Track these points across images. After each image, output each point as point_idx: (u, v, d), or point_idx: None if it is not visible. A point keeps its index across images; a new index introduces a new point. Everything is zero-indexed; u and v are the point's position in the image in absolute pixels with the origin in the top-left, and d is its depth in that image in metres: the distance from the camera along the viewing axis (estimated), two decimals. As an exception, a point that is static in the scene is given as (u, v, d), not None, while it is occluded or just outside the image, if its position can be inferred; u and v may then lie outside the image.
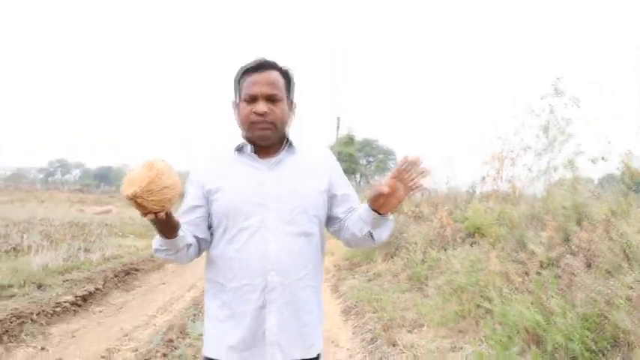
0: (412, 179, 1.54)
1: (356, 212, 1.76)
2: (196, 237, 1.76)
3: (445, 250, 6.00)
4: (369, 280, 6.90)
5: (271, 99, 1.69)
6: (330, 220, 1.84)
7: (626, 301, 3.10)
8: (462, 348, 3.85)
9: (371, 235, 1.69)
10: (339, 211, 1.81)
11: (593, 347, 2.98)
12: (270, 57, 1.76)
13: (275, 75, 1.73)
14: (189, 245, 1.70)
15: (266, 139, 1.73)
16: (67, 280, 6.48)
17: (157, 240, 1.66)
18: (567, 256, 3.98)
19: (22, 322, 4.64)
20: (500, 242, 5.27)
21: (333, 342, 4.70)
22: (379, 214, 1.62)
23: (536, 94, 8.00)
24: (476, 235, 5.96)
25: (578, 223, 4.62)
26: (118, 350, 4.31)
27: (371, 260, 8.15)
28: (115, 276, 7.12)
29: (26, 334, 4.52)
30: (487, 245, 5.41)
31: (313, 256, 1.74)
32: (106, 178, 71.79)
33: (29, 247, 8.97)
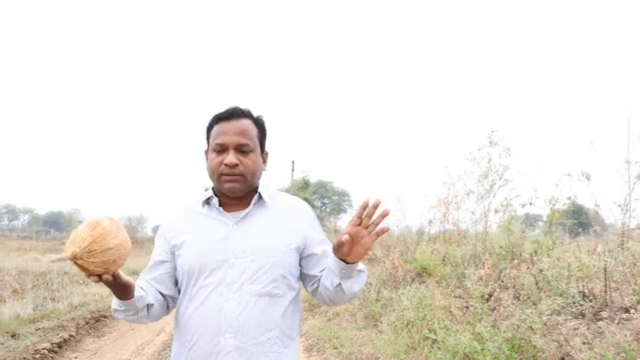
0: (375, 223, 1.48)
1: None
2: (162, 294, 1.72)
3: (397, 289, 6.63)
4: (329, 320, 7.46)
5: (242, 149, 1.64)
6: (307, 279, 1.74)
7: (542, 325, 3.77)
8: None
9: (341, 287, 1.59)
10: (317, 271, 1.71)
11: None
12: (242, 105, 1.71)
13: (247, 124, 1.67)
14: (149, 305, 1.65)
15: (235, 192, 1.66)
16: (39, 329, 6.79)
17: (114, 300, 1.59)
18: (498, 290, 4.67)
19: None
20: (445, 280, 5.94)
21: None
22: (347, 263, 1.52)
23: (477, 141, 8.85)
24: (424, 274, 6.64)
25: (511, 260, 5.34)
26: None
27: (330, 301, 8.71)
28: (87, 323, 7.46)
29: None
30: (433, 283, 6.08)
31: (280, 320, 1.62)
32: (56, 223, 70.24)
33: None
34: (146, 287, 1.68)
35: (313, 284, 1.72)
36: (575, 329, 3.53)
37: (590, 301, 3.89)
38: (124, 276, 1.48)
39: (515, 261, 5.11)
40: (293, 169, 30.23)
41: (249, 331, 1.56)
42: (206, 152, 1.74)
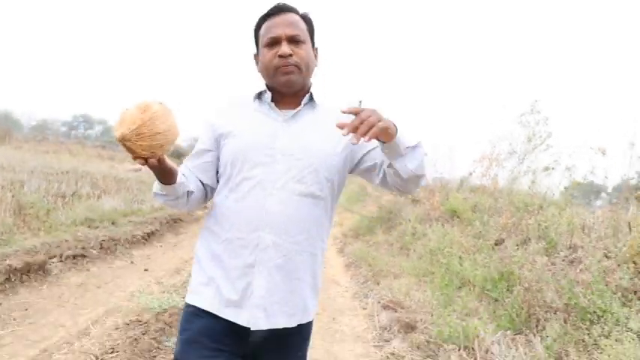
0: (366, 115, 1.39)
1: None
2: (202, 183, 1.74)
3: (430, 226, 7.86)
4: (369, 246, 8.80)
5: (294, 40, 1.63)
6: (368, 172, 1.72)
7: (528, 263, 4.92)
8: (424, 292, 5.72)
9: (394, 168, 1.55)
10: (368, 156, 1.69)
11: (493, 286, 4.84)
12: (288, 2, 1.70)
13: (295, 17, 1.67)
14: (189, 192, 1.68)
15: (292, 84, 1.65)
16: (131, 222, 8.46)
17: (156, 184, 1.63)
18: (504, 234, 5.83)
19: (115, 244, 6.63)
20: (470, 224, 7.11)
21: (335, 282, 6.61)
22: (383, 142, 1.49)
23: (524, 106, 9.74)
24: (454, 217, 7.82)
25: (526, 212, 6.44)
26: (184, 268, 6.25)
27: (373, 232, 10.04)
28: (167, 222, 9.09)
29: (117, 253, 6.49)
30: (460, 225, 7.27)
31: (317, 221, 1.65)
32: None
33: (87, 194, 10.94)
34: (188, 174, 1.70)
35: (379, 175, 1.68)
36: (549, 267, 4.67)
37: (569, 249, 5.00)
38: (169, 161, 1.52)
39: (526, 213, 6.21)
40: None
41: (288, 229, 1.59)
42: (256, 56, 1.74)
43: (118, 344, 3.50)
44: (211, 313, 1.61)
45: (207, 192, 1.77)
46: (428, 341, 4.06)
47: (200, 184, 1.73)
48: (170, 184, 1.59)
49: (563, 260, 4.62)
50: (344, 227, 11.59)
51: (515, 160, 9.49)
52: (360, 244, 9.13)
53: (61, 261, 5.28)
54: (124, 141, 1.35)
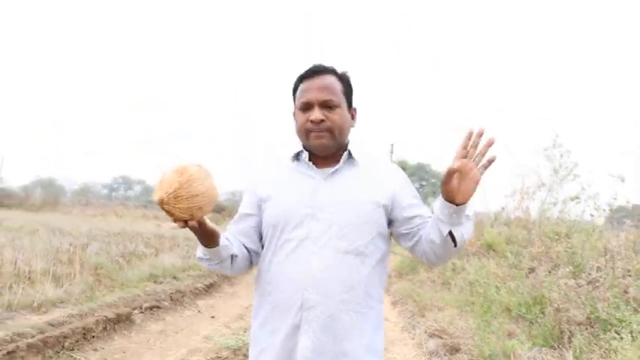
0: (482, 153, 1.45)
1: (431, 218, 1.61)
2: (247, 247, 1.75)
3: (468, 261, 8.44)
4: (413, 284, 9.39)
5: (327, 105, 1.64)
6: (403, 237, 1.72)
7: (556, 287, 5.49)
8: (466, 321, 6.30)
9: (452, 236, 1.53)
10: (409, 226, 1.69)
11: (527, 310, 5.41)
12: (326, 62, 1.72)
13: (330, 79, 1.68)
14: (234, 256, 1.68)
15: (324, 149, 1.68)
16: (190, 275, 9.23)
17: (199, 248, 1.65)
18: (534, 262, 6.41)
19: (182, 296, 7.40)
20: (504, 255, 7.69)
21: (384, 318, 7.23)
22: (456, 205, 1.47)
23: (545, 141, 10.33)
24: (490, 250, 8.40)
25: (555, 241, 7.02)
26: (246, 314, 6.95)
27: (416, 271, 10.63)
28: (223, 275, 9.86)
29: (184, 304, 7.25)
30: (495, 257, 7.85)
31: (365, 279, 1.62)
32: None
33: (143, 253, 11.81)
34: (231, 239, 1.71)
35: (412, 240, 1.68)
36: (576, 288, 5.23)
37: (598, 271, 5.56)
38: (210, 224, 1.53)
39: (554, 242, 6.79)
40: (392, 152, 31.87)
41: (332, 288, 1.57)
42: (294, 114, 1.74)
43: (207, 375, 4.21)
44: None
45: (252, 257, 1.78)
46: (471, 359, 4.66)
47: (244, 248, 1.74)
48: (212, 248, 1.61)
49: (588, 283, 5.18)
50: (388, 268, 12.22)
51: (544, 191, 10.07)
52: (405, 283, 9.72)
53: (141, 312, 6.05)
54: (162, 204, 1.39)
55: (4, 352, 3.83)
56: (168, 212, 1.40)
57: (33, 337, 4.25)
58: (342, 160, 1.70)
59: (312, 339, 1.58)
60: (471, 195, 1.47)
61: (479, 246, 8.88)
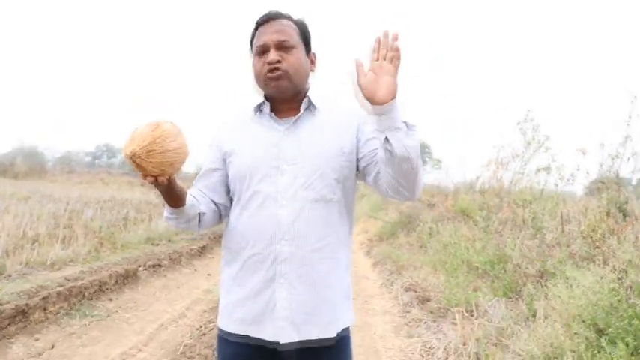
0: (393, 49, 1.44)
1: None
2: (215, 202, 1.76)
3: (443, 225, 9.22)
4: (393, 247, 10.18)
5: (283, 46, 1.64)
6: (365, 171, 1.67)
7: (517, 247, 6.25)
8: (438, 277, 7.07)
9: (390, 144, 1.45)
10: (368, 151, 1.65)
11: (491, 266, 6.18)
12: (282, 9, 1.71)
13: (286, 22, 1.68)
14: (201, 214, 1.70)
15: (282, 91, 1.66)
16: (183, 239, 9.93)
17: (166, 208, 1.65)
18: (501, 226, 7.19)
19: (180, 256, 8.10)
20: (476, 220, 8.46)
21: (365, 277, 8.00)
22: (381, 102, 1.43)
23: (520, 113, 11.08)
24: (464, 216, 9.18)
25: (521, 207, 7.78)
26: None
27: (396, 235, 11.42)
28: (215, 237, 10.55)
29: (182, 263, 7.95)
30: (468, 222, 8.63)
31: (334, 226, 1.64)
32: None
33: (135, 218, 12.45)
34: (198, 196, 1.72)
35: (374, 171, 1.63)
36: (532, 247, 6.00)
37: (552, 232, 6.32)
38: (178, 183, 1.54)
39: (520, 208, 7.56)
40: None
41: (305, 238, 1.59)
42: (252, 63, 1.73)
43: (211, 320, 4.93)
44: (240, 336, 1.65)
45: (221, 211, 1.79)
46: (439, 307, 5.43)
47: (212, 204, 1.75)
48: (178, 207, 1.61)
49: (542, 243, 5.95)
50: (369, 233, 13.00)
51: (517, 163, 10.83)
52: (385, 246, 10.51)
53: (145, 269, 6.75)
54: (134, 158, 1.36)
55: (40, 297, 4.52)
56: (139, 166, 1.38)
57: (62, 285, 4.94)
58: (302, 108, 1.69)
59: (289, 291, 1.59)
60: (391, 88, 1.43)
61: (454, 212, 9.65)
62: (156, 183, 1.44)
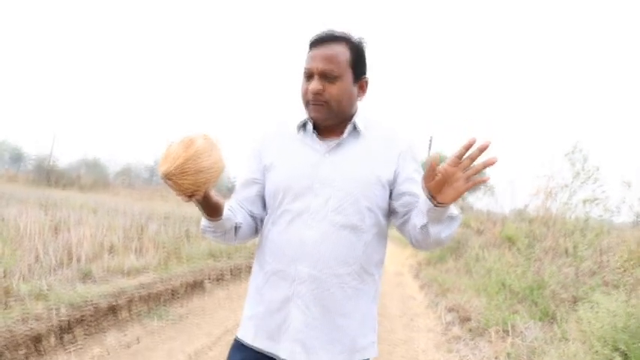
0: (476, 169, 1.37)
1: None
2: (252, 215, 1.76)
3: (488, 251, 9.68)
4: (440, 271, 10.67)
5: (326, 75, 1.62)
6: (393, 212, 1.70)
7: (555, 274, 6.69)
8: (480, 300, 7.55)
9: (427, 229, 1.50)
10: (399, 206, 1.67)
11: (530, 292, 6.63)
12: (338, 28, 1.66)
13: (337, 49, 1.64)
14: (237, 226, 1.70)
15: (322, 120, 1.67)
16: (241, 256, 10.68)
17: (202, 219, 1.65)
18: (541, 253, 7.63)
19: (240, 271, 8.86)
20: (519, 247, 8.90)
21: (412, 297, 8.55)
22: (438, 204, 1.42)
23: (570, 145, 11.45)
24: (509, 243, 9.62)
25: (564, 237, 8.19)
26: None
27: (444, 260, 11.90)
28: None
29: (242, 277, 8.69)
30: (513, 249, 9.07)
31: (361, 254, 1.63)
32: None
33: (195, 234, 13.31)
34: (236, 207, 1.73)
35: (402, 218, 1.67)
36: (568, 275, 6.43)
37: (587, 262, 6.74)
38: (215, 196, 1.54)
39: (565, 238, 7.97)
40: (430, 147, 32.68)
41: (326, 262, 1.59)
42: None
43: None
44: (253, 348, 1.67)
45: (258, 224, 1.79)
46: (478, 327, 5.94)
47: (250, 217, 1.75)
48: (216, 219, 1.61)
49: (578, 271, 6.39)
50: (418, 257, 13.51)
51: (566, 192, 11.17)
52: (432, 270, 11.02)
53: (210, 281, 7.50)
54: (167, 178, 1.36)
55: (125, 299, 5.30)
56: (173, 186, 1.38)
57: (141, 290, 5.71)
58: (345, 133, 1.68)
59: (304, 312, 1.60)
60: (451, 201, 1.41)
61: (501, 239, 10.10)
62: (191, 200, 1.46)
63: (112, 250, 8.14)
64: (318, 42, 1.66)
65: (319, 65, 1.62)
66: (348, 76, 1.66)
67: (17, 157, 66.03)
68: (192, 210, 22.89)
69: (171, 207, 24.51)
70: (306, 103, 1.67)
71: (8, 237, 6.61)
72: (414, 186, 1.65)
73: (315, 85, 1.62)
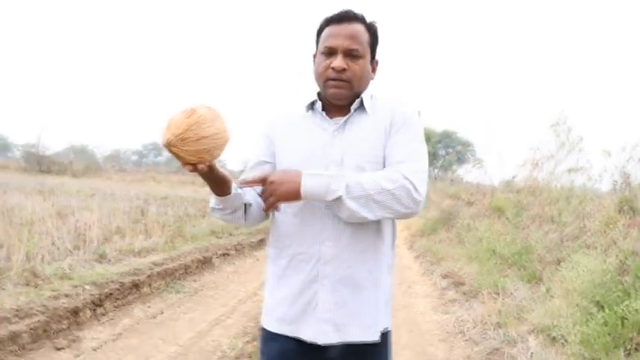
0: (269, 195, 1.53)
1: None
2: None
3: (479, 221, 10.20)
4: (433, 242, 11.20)
5: (351, 54, 1.62)
6: None
7: (541, 240, 7.20)
8: (473, 267, 8.07)
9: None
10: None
11: (518, 257, 7.16)
12: (356, 9, 1.66)
13: (358, 28, 1.64)
14: (248, 205, 1.68)
15: (340, 98, 1.66)
16: (241, 233, 11.15)
17: (212, 198, 1.64)
18: (528, 221, 8.15)
19: (243, 247, 9.33)
20: (508, 217, 9.42)
21: (408, 267, 9.07)
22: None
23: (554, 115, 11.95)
24: (499, 212, 10.14)
25: (549, 205, 8.71)
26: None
27: (436, 231, 12.43)
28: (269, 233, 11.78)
29: (245, 254, 9.17)
30: (502, 218, 9.60)
31: (378, 228, 1.64)
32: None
33: (194, 214, 13.75)
34: (246, 188, 1.69)
35: None
36: (553, 240, 6.95)
37: (570, 226, 7.26)
38: (220, 169, 1.52)
39: (551, 206, 8.49)
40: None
41: (349, 240, 1.59)
42: (314, 56, 1.74)
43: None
44: (284, 335, 1.66)
45: None
46: (471, 290, 6.46)
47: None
48: (224, 196, 1.59)
49: (563, 236, 6.91)
50: (412, 230, 14.06)
51: (552, 163, 11.70)
52: (426, 241, 11.55)
53: (217, 257, 7.98)
54: (169, 147, 1.35)
55: (145, 275, 5.76)
56: (176, 155, 1.38)
57: (156, 267, 6.18)
58: (352, 109, 1.69)
59: (332, 292, 1.60)
60: (291, 198, 1.53)
61: (490, 209, 10.62)
62: (195, 170, 1.43)
63: (119, 232, 8.57)
64: (339, 20, 1.65)
65: (345, 43, 1.62)
66: (367, 56, 1.68)
67: (4, 147, 66.02)
68: (187, 192, 23.27)
69: (164, 189, 24.99)
70: (325, 81, 1.66)
71: (21, 223, 7.01)
72: (392, 150, 1.64)
73: (339, 62, 1.61)
